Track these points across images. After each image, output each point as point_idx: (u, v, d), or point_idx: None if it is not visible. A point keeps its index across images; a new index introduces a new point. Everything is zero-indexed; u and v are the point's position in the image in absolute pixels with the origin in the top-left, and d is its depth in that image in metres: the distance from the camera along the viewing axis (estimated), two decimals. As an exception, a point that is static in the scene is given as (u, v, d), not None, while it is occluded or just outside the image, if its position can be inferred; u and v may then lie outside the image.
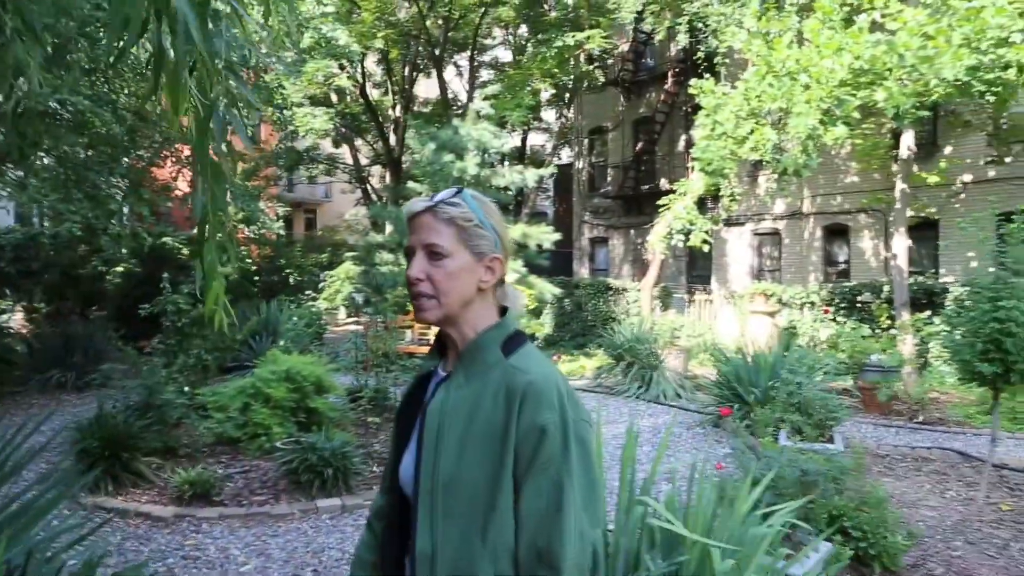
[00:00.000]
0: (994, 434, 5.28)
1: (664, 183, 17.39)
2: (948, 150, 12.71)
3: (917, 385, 9.31)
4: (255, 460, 5.98)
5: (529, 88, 16.30)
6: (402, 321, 11.68)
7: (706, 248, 12.34)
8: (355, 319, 19.05)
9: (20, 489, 2.74)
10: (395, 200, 15.98)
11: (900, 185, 10.64)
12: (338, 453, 5.37)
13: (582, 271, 20.90)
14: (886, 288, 11.75)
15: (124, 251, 12.07)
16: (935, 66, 7.43)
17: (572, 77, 17.64)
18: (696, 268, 17.79)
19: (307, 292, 18.72)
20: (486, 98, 12.24)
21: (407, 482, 1.25)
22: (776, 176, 10.26)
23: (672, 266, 17.45)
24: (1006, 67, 7.46)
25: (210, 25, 1.08)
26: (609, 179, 20.54)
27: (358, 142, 22.83)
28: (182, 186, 11.19)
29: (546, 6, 18.33)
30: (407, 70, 21.32)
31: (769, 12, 9.75)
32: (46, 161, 8.77)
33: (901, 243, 10.44)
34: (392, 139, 21.36)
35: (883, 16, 8.28)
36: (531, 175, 11.13)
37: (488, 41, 22.17)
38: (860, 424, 8.14)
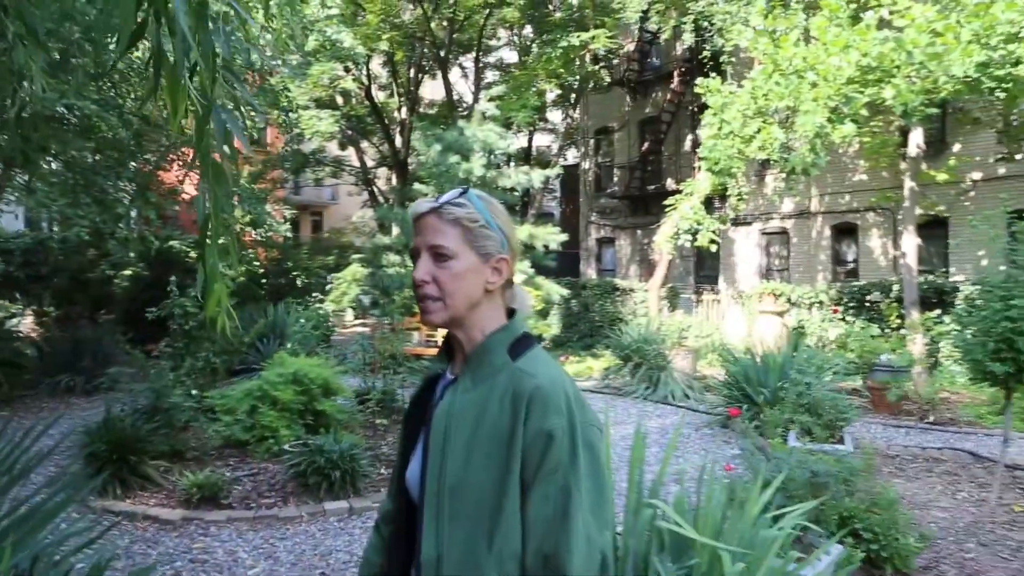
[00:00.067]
0: (1006, 434, 5.23)
1: (671, 183, 17.35)
2: (957, 148, 12.62)
3: (927, 385, 9.25)
4: (263, 463, 5.98)
5: (534, 89, 16.29)
6: (409, 323, 11.67)
7: (714, 248, 12.29)
8: (362, 321, 19.08)
9: (29, 492, 2.73)
10: (401, 202, 16.00)
11: (909, 183, 10.57)
12: (346, 455, 5.36)
13: (589, 272, 20.86)
14: (895, 287, 11.67)
15: (132, 255, 12.12)
16: (944, 63, 7.38)
17: (577, 77, 17.62)
18: (704, 268, 17.73)
19: (314, 294, 18.72)
20: (491, 99, 12.23)
21: (413, 486, 1.23)
22: (784, 175, 10.21)
23: (679, 266, 17.40)
24: (1016, 63, 7.40)
25: (210, 25, 1.06)
26: (615, 179, 20.51)
27: (364, 144, 22.86)
28: (189, 189, 11.22)
29: (551, 6, 18.32)
30: (412, 72, 21.34)
31: (775, 10, 9.71)
32: (54, 166, 8.81)
33: (910, 242, 10.38)
34: (398, 141, 21.38)
35: (891, 13, 8.23)
36: (537, 176, 11.12)
37: (493, 42, 22.17)
38: (870, 424, 8.08)
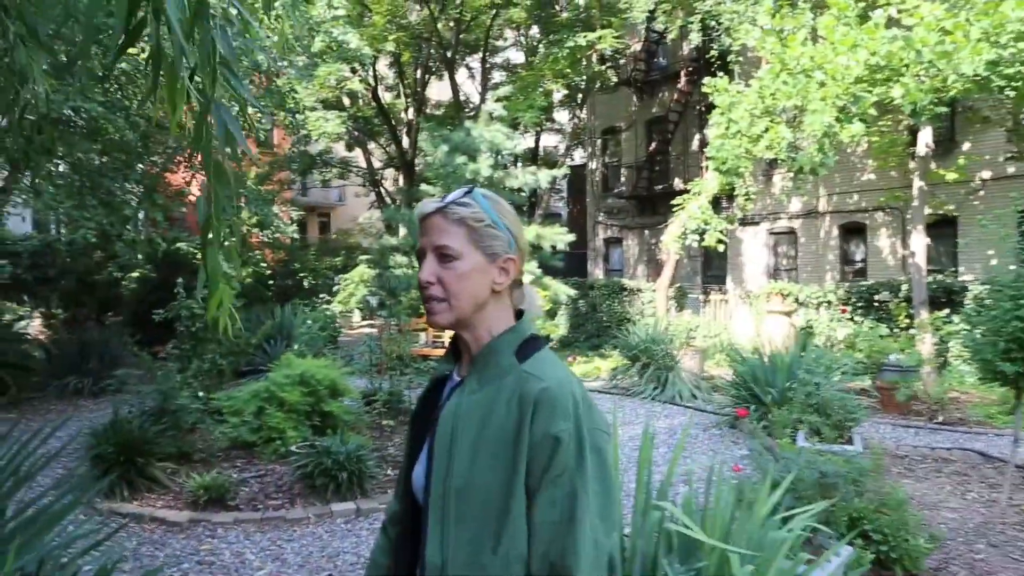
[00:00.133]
0: (1017, 434, 5.18)
1: (678, 183, 17.31)
2: (967, 146, 12.54)
3: (936, 385, 9.18)
4: (270, 464, 5.99)
5: (541, 89, 16.26)
6: (416, 324, 11.68)
7: (721, 248, 12.24)
8: (369, 322, 19.10)
9: (36, 495, 2.73)
10: (408, 203, 16.00)
11: (918, 182, 10.50)
12: (353, 457, 5.36)
13: (596, 272, 20.83)
14: (904, 287, 11.61)
15: (139, 257, 12.16)
16: (953, 61, 7.32)
17: (584, 77, 17.59)
18: (711, 268, 17.68)
19: (321, 295, 18.79)
20: (498, 99, 12.22)
21: (419, 488, 1.22)
22: (791, 175, 10.16)
23: (687, 266, 17.35)
24: (1026, 61, 7.34)
25: (210, 23, 1.06)
26: (623, 179, 20.47)
27: (371, 145, 22.89)
28: (196, 191, 11.26)
29: (557, 7, 18.29)
30: (419, 73, 21.36)
31: (783, 9, 9.66)
32: (61, 168, 8.84)
33: (919, 241, 10.31)
34: (405, 142, 21.40)
35: (899, 12, 8.18)
36: (544, 176, 11.10)
37: (500, 43, 22.17)
38: (879, 425, 8.03)
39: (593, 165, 21.61)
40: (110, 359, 9.72)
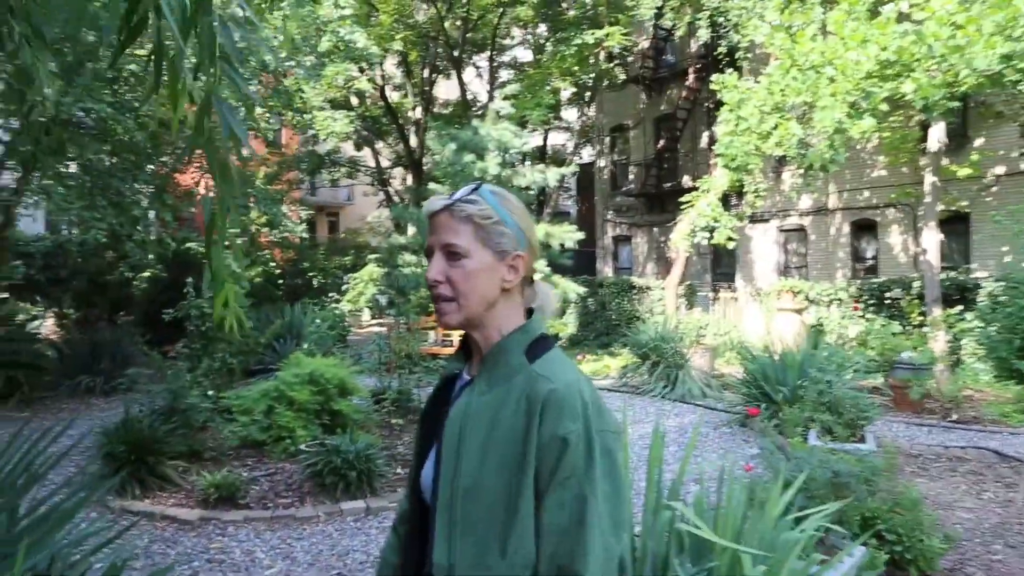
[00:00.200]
0: (1033, 432, 5.12)
1: (687, 180, 17.24)
2: (979, 142, 12.42)
3: (950, 383, 9.09)
4: (280, 463, 6.00)
5: (549, 87, 16.23)
6: (425, 322, 11.68)
7: (731, 245, 12.18)
8: (379, 321, 19.13)
9: (47, 493, 2.74)
10: (417, 202, 16.02)
11: (930, 178, 10.42)
12: (362, 455, 5.36)
13: (605, 270, 20.79)
14: (916, 284, 11.52)
15: (150, 257, 12.22)
16: (966, 55, 7.25)
17: (592, 75, 17.54)
18: (721, 266, 17.60)
19: (330, 294, 18.84)
20: (506, 98, 12.20)
21: (427, 487, 1.21)
22: (801, 171, 10.09)
23: (696, 264, 17.28)
24: (1041, 55, 7.26)
25: (215, 22, 1.05)
26: (631, 177, 20.41)
27: (379, 144, 22.93)
28: (207, 192, 11.30)
29: (565, 5, 18.26)
30: (426, 72, 21.37)
31: (792, 4, 9.59)
32: (72, 169, 8.89)
33: (932, 238, 10.23)
34: (413, 141, 21.41)
35: (910, 6, 8.10)
36: (552, 174, 11.08)
37: (507, 41, 22.16)
38: (891, 423, 7.97)
39: (601, 163, 21.55)
40: (121, 358, 9.78)
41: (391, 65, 21.51)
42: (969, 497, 5.36)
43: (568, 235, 10.88)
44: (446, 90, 23.75)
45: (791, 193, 13.79)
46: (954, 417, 8.23)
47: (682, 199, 12.90)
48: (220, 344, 7.01)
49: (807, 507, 3.01)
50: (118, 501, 5.16)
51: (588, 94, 20.33)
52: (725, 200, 12.75)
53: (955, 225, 12.74)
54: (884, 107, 8.49)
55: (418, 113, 21.38)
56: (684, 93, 17.83)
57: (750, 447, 6.84)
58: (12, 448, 2.53)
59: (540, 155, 20.59)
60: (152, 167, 9.98)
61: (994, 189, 12.34)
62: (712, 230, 12.06)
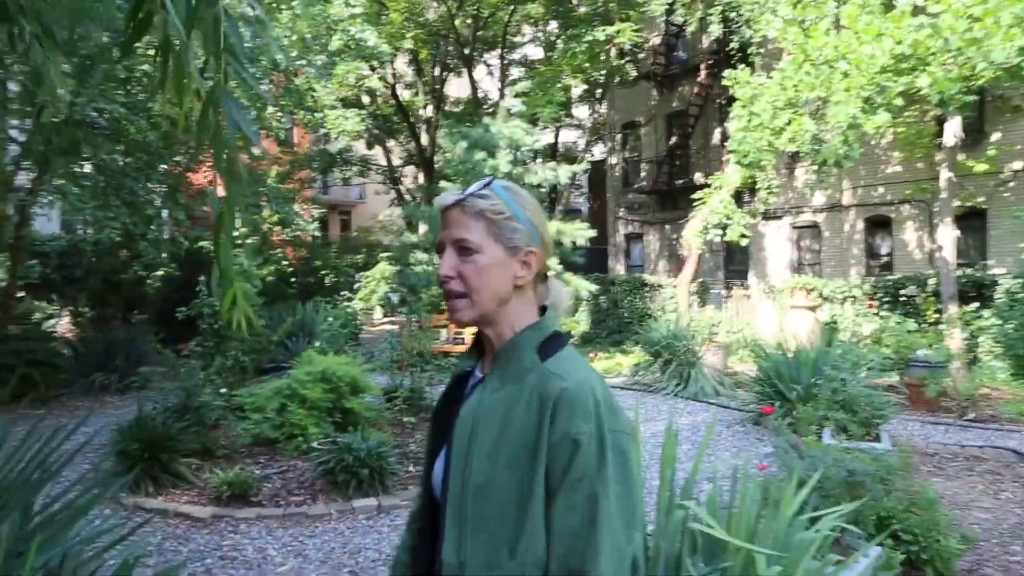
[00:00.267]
0: (1052, 431, 5.05)
1: (699, 177, 17.15)
2: (996, 136, 12.27)
3: (966, 381, 9.00)
4: (292, 460, 6.01)
5: (560, 84, 16.19)
6: (437, 320, 11.69)
7: (744, 242, 12.11)
8: (391, 319, 19.17)
9: (61, 490, 2.75)
10: (428, 200, 16.01)
11: (946, 174, 10.30)
12: (374, 453, 5.36)
13: (617, 267, 20.72)
14: (932, 281, 11.40)
15: (163, 256, 12.30)
16: (983, 48, 7.15)
17: (603, 72, 17.47)
18: (733, 263, 17.50)
19: (343, 293, 18.89)
20: (517, 95, 12.17)
21: (438, 486, 1.19)
22: (815, 167, 10.01)
23: (709, 261, 17.20)
24: (1060, 48, 7.15)
25: (219, 12, 1.03)
26: (643, 174, 20.33)
27: (390, 143, 22.96)
28: (220, 192, 11.35)
29: (575, 1, 18.19)
30: (437, 70, 21.37)
31: (805, -1, 9.51)
32: (86, 169, 8.96)
33: (948, 234, 10.12)
34: (424, 139, 21.43)
35: (925, -1, 8.02)
36: (564, 172, 11.04)
37: (518, 39, 22.12)
38: (907, 422, 7.89)
39: (613, 160, 21.48)
40: (136, 357, 9.85)
41: (402, 63, 21.53)
42: (987, 497, 5.29)
43: (580, 233, 10.84)
44: (457, 88, 23.76)
45: (804, 190, 13.71)
46: (971, 416, 8.14)
47: (694, 196, 12.83)
48: (233, 342, 7.04)
49: (822, 507, 2.98)
50: (131, 498, 5.18)
51: (599, 91, 20.25)
52: (738, 197, 12.67)
53: (971, 221, 12.59)
54: (899, 102, 8.41)
55: (429, 111, 21.39)
56: (696, 89, 17.73)
57: (764, 446, 6.79)
58: (25, 445, 2.54)
59: (551, 153, 20.55)
60: (165, 166, 10.04)
61: (1012, 184, 12.19)
62: (725, 227, 11.98)
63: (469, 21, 19.45)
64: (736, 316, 14.99)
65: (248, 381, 7.55)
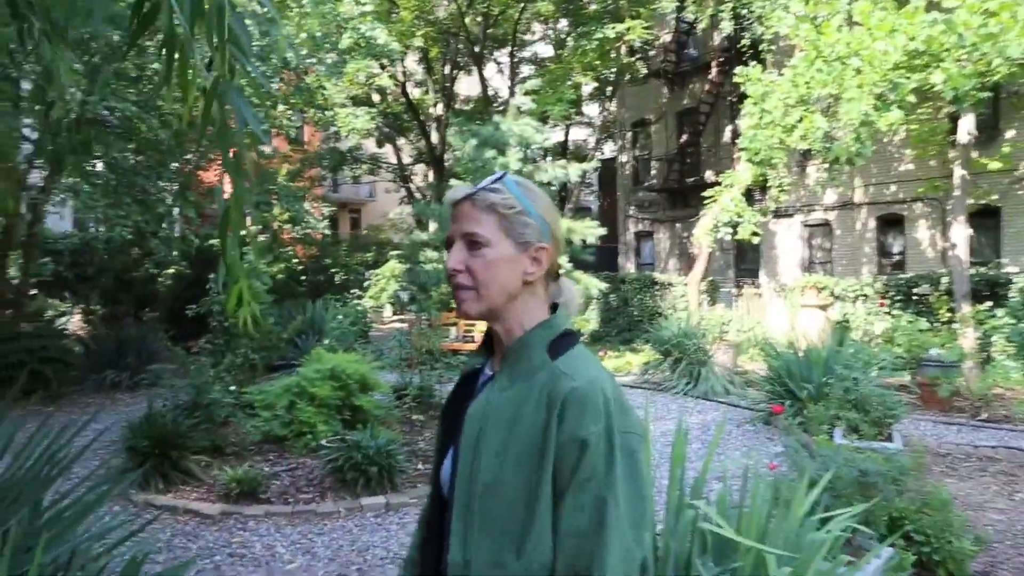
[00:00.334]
0: (1067, 432, 4.99)
1: (710, 175, 17.07)
2: (1011, 134, 12.15)
3: (980, 380, 8.92)
4: (301, 458, 6.02)
5: (570, 82, 16.15)
6: (447, 318, 11.69)
7: (755, 240, 12.05)
8: (400, 317, 19.20)
9: (71, 486, 2.76)
10: (438, 198, 16.01)
11: (959, 172, 10.20)
12: (383, 451, 5.36)
13: (628, 266, 20.67)
14: (944, 279, 11.30)
15: (174, 254, 12.36)
16: (999, 44, 7.06)
17: (614, 70, 17.41)
18: (744, 261, 17.42)
19: (352, 291, 18.92)
20: (527, 93, 12.16)
21: (446, 484, 1.18)
22: (827, 165, 9.93)
23: (720, 259, 17.12)
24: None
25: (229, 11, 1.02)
26: (653, 172, 20.26)
27: (401, 141, 22.98)
28: (228, 189, 11.39)
29: (586, -2, 18.14)
30: (447, 68, 21.36)
31: (817, -5, 9.42)
32: (98, 167, 9.01)
33: (961, 232, 10.02)
34: (434, 137, 21.44)
35: (940, -6, 7.94)
36: (574, 170, 11.02)
37: (528, 36, 22.07)
38: (919, 421, 7.82)
39: (623, 158, 21.42)
40: (147, 354, 9.90)
41: (412, 61, 21.54)
42: (1000, 498, 5.24)
43: (590, 231, 10.82)
44: (467, 86, 23.75)
45: (816, 187, 13.64)
46: (984, 416, 8.06)
47: (705, 194, 12.77)
48: (242, 340, 7.06)
49: (833, 507, 2.95)
50: (141, 495, 5.21)
51: (610, 89, 20.18)
52: (749, 195, 12.60)
53: (985, 219, 12.48)
54: (912, 99, 8.32)
55: (439, 109, 21.39)
56: (707, 87, 17.65)
57: (774, 445, 6.75)
58: (34, 442, 2.55)
59: (562, 151, 20.49)
60: (176, 165, 10.08)
61: (1026, 182, 12.07)
62: (735, 225, 11.92)
63: (479, 19, 19.43)
64: (747, 315, 14.92)
65: (258, 379, 7.58)
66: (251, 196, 1.31)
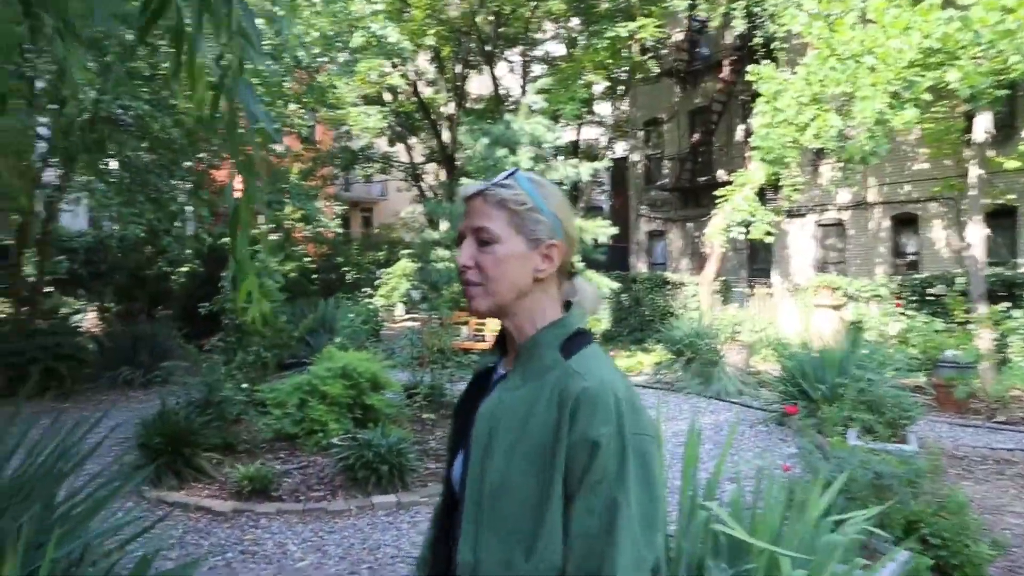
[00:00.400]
0: (1086, 434, 4.92)
1: (722, 174, 16.98)
2: (1028, 132, 12.01)
3: (996, 382, 8.82)
4: (312, 456, 6.04)
5: (582, 81, 16.10)
6: (458, 317, 11.68)
7: (769, 240, 11.97)
8: (412, 316, 19.23)
9: (83, 482, 2.77)
10: (450, 197, 16.04)
11: (975, 171, 10.09)
12: (394, 450, 5.36)
13: (639, 265, 20.60)
14: (960, 280, 11.18)
15: (188, 252, 12.43)
16: (1016, 41, 6.98)
17: (625, 68, 17.34)
18: (757, 261, 17.33)
19: (364, 289, 18.96)
20: (539, 92, 12.13)
21: (458, 483, 1.17)
22: (840, 164, 9.85)
23: (732, 259, 17.03)
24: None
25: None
26: (665, 171, 20.19)
27: (412, 140, 22.99)
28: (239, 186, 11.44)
29: (597, -3, 18.07)
30: (459, 67, 21.35)
31: (831, -8, 9.35)
32: (112, 166, 9.07)
33: (977, 232, 9.91)
34: (446, 136, 21.44)
35: (956, -9, 7.85)
36: (585, 169, 10.97)
37: (539, 35, 22.02)
38: (934, 423, 7.74)
39: (635, 157, 21.35)
40: (160, 352, 9.95)
41: (423, 60, 21.54)
42: (1018, 502, 5.17)
43: (601, 230, 10.77)
44: (478, 85, 23.73)
45: (829, 187, 13.52)
46: (1001, 418, 7.98)
47: (717, 193, 12.70)
48: (254, 338, 7.08)
49: (848, 509, 2.91)
50: (154, 491, 5.24)
51: (621, 88, 20.11)
52: (761, 194, 12.52)
53: (1001, 219, 12.34)
54: (927, 97, 8.24)
55: (451, 108, 21.39)
56: (719, 85, 17.56)
57: (787, 446, 6.70)
58: (45, 438, 2.56)
59: (573, 150, 20.43)
60: (189, 163, 10.14)
61: (1044, 181, 11.92)
62: (748, 225, 11.85)
63: (491, 18, 19.41)
64: (759, 315, 14.82)
65: (269, 376, 7.60)
66: (262, 194, 1.30)
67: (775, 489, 2.50)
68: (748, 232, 11.85)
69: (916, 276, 12.62)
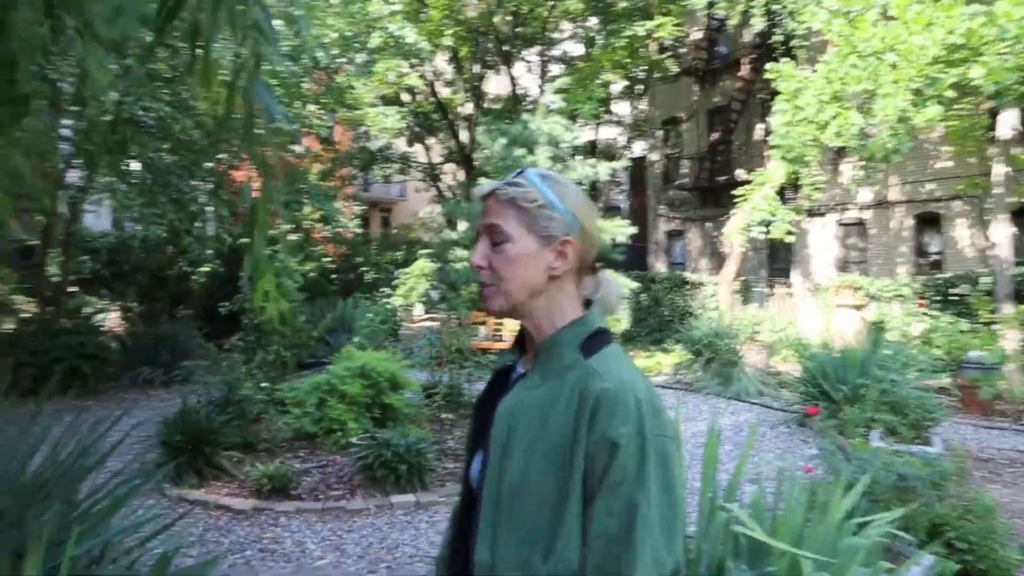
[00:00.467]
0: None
1: (741, 173, 16.85)
2: (1055, 129, 11.79)
3: (1022, 383, 8.67)
4: (331, 455, 6.06)
5: (600, 80, 16.05)
6: (476, 317, 11.68)
7: (790, 239, 11.85)
8: (430, 316, 19.26)
9: (105, 480, 2.80)
10: (467, 197, 16.03)
11: (1002, 168, 9.93)
12: (413, 449, 5.37)
13: (658, 265, 20.51)
14: (985, 279, 11.00)
15: (208, 252, 12.54)
16: (1042, 36, 6.87)
17: (644, 68, 17.27)
18: (777, 261, 17.18)
19: (383, 289, 19.03)
20: (556, 92, 12.09)
21: (476, 482, 1.16)
22: (862, 163, 9.73)
23: (752, 259, 16.90)
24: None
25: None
26: (684, 171, 20.08)
27: (430, 140, 23.05)
28: (257, 186, 11.54)
29: (615, -4, 18.01)
30: (477, 67, 21.38)
31: (852, -11, 9.24)
32: (134, 167, 9.18)
33: (1003, 231, 9.76)
34: (464, 136, 21.48)
35: (980, -14, 7.73)
36: (603, 168, 10.93)
37: (557, 35, 21.99)
38: (959, 425, 7.62)
39: (654, 157, 21.25)
40: (181, 351, 10.04)
41: (441, 61, 21.59)
42: (1046, 504, 5.08)
43: (620, 230, 10.72)
44: (496, 85, 23.74)
45: (850, 186, 13.39)
46: (1028, 419, 7.84)
47: (736, 192, 12.61)
48: (274, 337, 7.13)
49: (871, 511, 2.87)
50: (175, 489, 5.28)
51: (640, 87, 20.04)
52: (781, 193, 12.41)
53: (1027, 218, 12.14)
54: (951, 94, 8.12)
55: (468, 108, 21.42)
56: (738, 84, 17.44)
57: (809, 447, 6.62)
58: (67, 436, 2.59)
59: (591, 149, 20.39)
60: (209, 164, 10.23)
61: (1071, 179, 11.70)
62: (768, 224, 11.74)
63: (508, 18, 19.41)
64: (779, 315, 14.68)
65: (289, 376, 7.64)
66: (280, 194, 1.30)
67: (796, 491, 2.47)
68: (768, 231, 11.75)
69: (939, 276, 12.44)
